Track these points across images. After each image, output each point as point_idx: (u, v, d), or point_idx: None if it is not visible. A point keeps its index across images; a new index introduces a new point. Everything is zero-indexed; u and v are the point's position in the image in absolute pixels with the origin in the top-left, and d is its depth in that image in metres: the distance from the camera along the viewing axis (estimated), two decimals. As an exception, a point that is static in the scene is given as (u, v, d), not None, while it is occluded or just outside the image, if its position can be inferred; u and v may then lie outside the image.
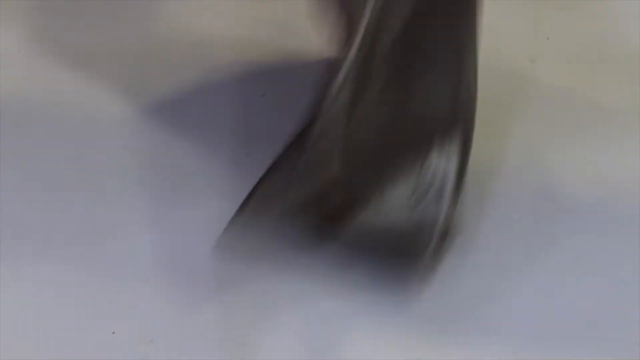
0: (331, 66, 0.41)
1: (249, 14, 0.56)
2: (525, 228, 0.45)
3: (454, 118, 0.42)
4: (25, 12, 0.57)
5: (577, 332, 0.41)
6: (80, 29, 0.56)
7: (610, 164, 0.48)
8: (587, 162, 0.48)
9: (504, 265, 0.43)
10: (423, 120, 0.42)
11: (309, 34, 0.53)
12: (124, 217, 0.45)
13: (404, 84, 0.42)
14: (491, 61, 0.54)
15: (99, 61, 0.54)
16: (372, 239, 0.41)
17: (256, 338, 0.41)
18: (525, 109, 0.51)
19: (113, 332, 0.41)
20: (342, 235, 0.41)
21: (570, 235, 0.44)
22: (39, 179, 0.47)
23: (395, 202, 0.41)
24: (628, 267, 0.43)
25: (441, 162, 0.42)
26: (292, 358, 0.40)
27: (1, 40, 0.55)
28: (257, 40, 0.55)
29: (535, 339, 0.40)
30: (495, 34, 0.55)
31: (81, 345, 0.40)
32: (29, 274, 0.43)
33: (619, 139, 0.49)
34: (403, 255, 0.41)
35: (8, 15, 0.57)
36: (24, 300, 0.42)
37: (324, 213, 0.41)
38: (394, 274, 0.41)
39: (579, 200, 0.46)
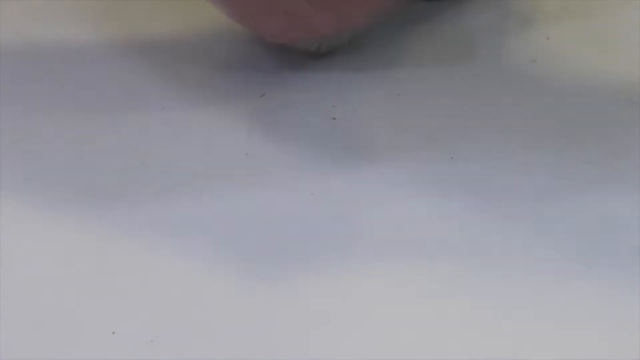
0: None
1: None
2: (525, 228, 0.45)
3: None
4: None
5: (577, 332, 0.41)
6: (83, 28, 0.56)
7: (611, 164, 0.48)
8: (587, 162, 0.48)
9: (504, 264, 0.43)
10: None
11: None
12: (124, 217, 0.45)
13: None
14: (491, 61, 0.54)
15: (99, 58, 0.54)
16: None
17: (258, 338, 0.41)
18: (525, 109, 0.51)
19: (113, 332, 0.41)
20: None
21: (571, 235, 0.44)
22: (39, 179, 0.47)
23: None
24: (628, 266, 0.43)
25: None
26: (294, 357, 0.40)
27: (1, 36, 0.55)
28: (256, 40, 0.55)
29: (535, 339, 0.40)
30: (495, 34, 0.55)
31: (81, 345, 0.40)
32: (28, 274, 0.43)
33: (620, 138, 0.49)
34: None
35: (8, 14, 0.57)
36: (23, 300, 0.42)
37: None
38: None
39: (579, 200, 0.46)
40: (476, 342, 0.40)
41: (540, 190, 0.46)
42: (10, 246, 0.44)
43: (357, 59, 0.54)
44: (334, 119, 0.50)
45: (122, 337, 0.41)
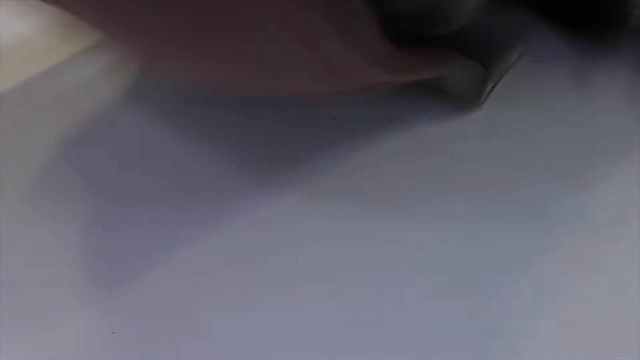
0: None
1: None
2: (525, 228, 0.45)
3: None
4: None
5: (577, 332, 0.41)
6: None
7: (611, 164, 0.48)
8: (587, 161, 0.48)
9: (504, 264, 0.43)
10: None
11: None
12: (124, 218, 0.45)
13: None
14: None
15: (99, 58, 0.54)
16: None
17: (258, 337, 0.41)
18: (529, 108, 0.51)
19: (113, 332, 0.41)
20: None
21: (571, 235, 0.44)
22: (40, 178, 0.47)
23: None
24: (628, 266, 0.43)
25: None
26: (295, 357, 0.40)
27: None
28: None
29: (535, 339, 0.40)
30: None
31: (81, 345, 0.40)
32: (29, 274, 0.43)
33: (620, 136, 0.49)
34: None
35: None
36: (23, 300, 0.42)
37: None
38: None
39: (579, 200, 0.46)
40: (476, 342, 0.40)
41: (541, 191, 0.46)
42: (10, 246, 0.44)
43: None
44: (334, 119, 0.50)
45: (122, 337, 0.41)
